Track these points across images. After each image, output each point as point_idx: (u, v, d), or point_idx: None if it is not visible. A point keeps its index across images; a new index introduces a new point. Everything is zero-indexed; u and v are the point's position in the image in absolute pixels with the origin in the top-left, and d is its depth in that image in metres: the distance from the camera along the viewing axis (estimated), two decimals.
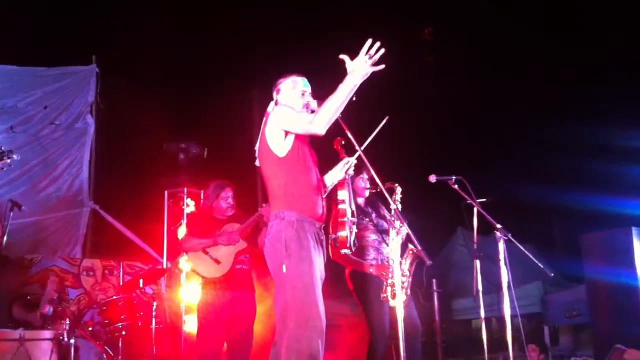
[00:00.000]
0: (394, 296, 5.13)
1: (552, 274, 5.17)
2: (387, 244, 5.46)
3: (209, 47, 11.45)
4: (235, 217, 5.81)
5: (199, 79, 11.36)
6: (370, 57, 3.63)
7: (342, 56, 3.76)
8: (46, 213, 9.12)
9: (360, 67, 3.67)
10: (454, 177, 5.47)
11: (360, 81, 3.72)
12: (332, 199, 4.24)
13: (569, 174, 11.38)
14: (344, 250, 4.15)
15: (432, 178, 5.46)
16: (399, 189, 5.48)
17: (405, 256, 5.27)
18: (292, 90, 4.16)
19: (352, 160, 4.28)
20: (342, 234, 4.06)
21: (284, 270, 3.76)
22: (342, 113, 3.93)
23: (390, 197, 5.44)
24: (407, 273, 5.31)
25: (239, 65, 11.48)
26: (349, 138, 4.02)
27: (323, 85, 4.04)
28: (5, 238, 6.62)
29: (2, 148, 4.85)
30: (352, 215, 4.18)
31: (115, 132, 9.94)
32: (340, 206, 4.14)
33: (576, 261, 7.67)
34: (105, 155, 9.91)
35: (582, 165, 10.83)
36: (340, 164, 4.32)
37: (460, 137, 12.80)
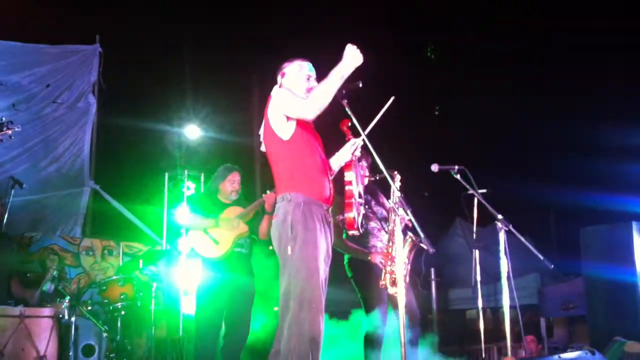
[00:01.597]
0: (392, 283, 5.16)
1: (552, 266, 5.16)
2: (387, 232, 5.49)
3: (211, 31, 11.45)
4: (237, 202, 5.82)
5: (201, 63, 11.36)
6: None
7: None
8: (47, 192, 9.12)
9: (351, 56, 3.77)
10: (456, 167, 5.47)
11: (351, 70, 3.80)
12: (339, 180, 4.24)
13: (567, 170, 11.41)
14: (352, 232, 4.14)
15: (435, 167, 5.47)
16: (398, 177, 5.49)
17: (404, 244, 5.28)
18: (298, 73, 4.15)
19: (359, 142, 4.26)
20: (350, 215, 4.06)
21: (289, 252, 3.77)
22: (347, 97, 3.94)
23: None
24: (406, 261, 5.33)
25: (240, 50, 11.49)
26: (354, 122, 4.01)
27: (324, 71, 4.05)
28: (5, 215, 6.64)
29: (3, 119, 4.83)
30: (360, 197, 4.19)
31: (117, 113, 9.93)
32: (347, 187, 4.14)
33: (573, 256, 7.69)
34: (107, 136, 9.91)
35: (582, 161, 10.86)
36: (347, 145, 4.31)
37: (461, 130, 12.83)
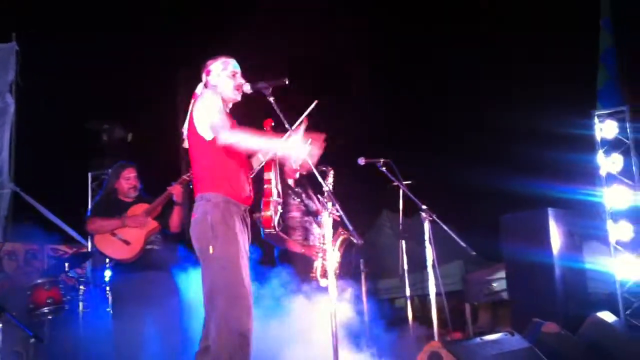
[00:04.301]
0: (323, 275, 5.27)
1: (474, 253, 5.37)
2: (318, 225, 5.58)
3: (135, 26, 11.27)
4: (141, 199, 5.66)
5: (124, 59, 11.16)
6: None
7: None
8: None
9: (293, 147, 3.95)
10: (382, 160, 5.62)
11: (282, 153, 4.04)
12: (259, 179, 4.29)
13: (489, 157, 11.77)
14: (268, 230, 4.21)
15: (361, 161, 5.61)
16: (331, 173, 5.60)
17: (335, 237, 5.38)
18: (223, 71, 4.16)
19: None
20: (267, 213, 4.13)
21: (211, 251, 3.81)
22: (274, 94, 4.00)
23: (324, 180, 5.58)
24: (338, 253, 5.44)
25: (165, 45, 11.36)
26: (282, 120, 4.05)
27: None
28: None
29: None
30: (278, 196, 4.25)
31: (37, 112, 9.68)
32: (265, 186, 4.20)
33: (495, 241, 7.95)
34: (27, 136, 9.63)
35: (501, 147, 11.22)
36: None
37: (382, 119, 13.03)
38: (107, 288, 6.47)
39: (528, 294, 7.01)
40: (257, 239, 5.57)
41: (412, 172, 6.01)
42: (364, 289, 9.35)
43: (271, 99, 4.03)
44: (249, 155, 4.20)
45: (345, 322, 5.23)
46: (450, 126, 12.55)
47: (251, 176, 4.20)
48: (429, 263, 5.24)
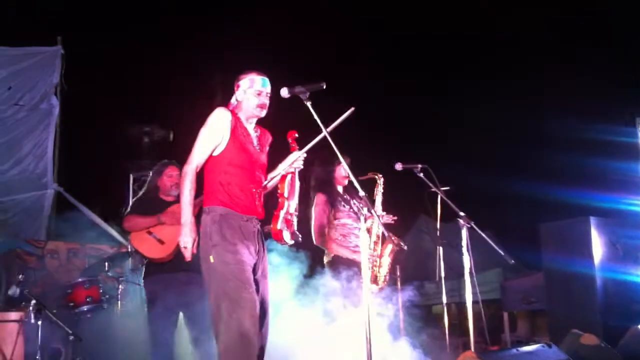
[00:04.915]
0: (373, 281, 5.30)
1: (513, 261, 5.29)
2: (368, 232, 5.58)
3: (176, 30, 11.43)
4: None
5: (165, 62, 11.32)
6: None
7: None
8: (10, 195, 9.04)
9: (185, 237, 4.00)
10: (419, 166, 5.58)
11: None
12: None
13: (529, 164, 11.63)
14: (280, 243, 4.23)
15: (398, 166, 5.58)
16: (381, 180, 5.59)
17: (385, 244, 5.41)
18: (249, 89, 4.23)
19: (302, 154, 4.30)
20: (276, 227, 4.17)
21: (212, 260, 3.96)
22: (311, 99, 3.99)
23: (374, 187, 5.60)
24: (389, 260, 5.47)
25: (205, 50, 11.48)
26: (317, 122, 4.02)
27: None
28: None
29: None
30: (295, 210, 4.27)
31: (80, 114, 9.87)
32: (279, 200, 4.23)
33: (534, 250, 7.84)
34: (70, 137, 9.83)
35: (542, 156, 11.07)
36: (289, 157, 4.34)
37: (422, 127, 13.00)
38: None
39: (567, 304, 6.88)
40: (309, 245, 5.61)
41: (450, 179, 5.96)
42: (400, 295, 9.32)
43: (308, 104, 4.02)
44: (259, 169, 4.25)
45: (381, 328, 5.22)
46: (489, 134, 12.43)
47: (262, 189, 4.24)
48: (466, 270, 5.18)
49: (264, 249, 4.21)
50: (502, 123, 12.07)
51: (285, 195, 4.23)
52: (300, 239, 4.32)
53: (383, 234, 5.50)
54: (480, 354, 4.34)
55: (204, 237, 4.02)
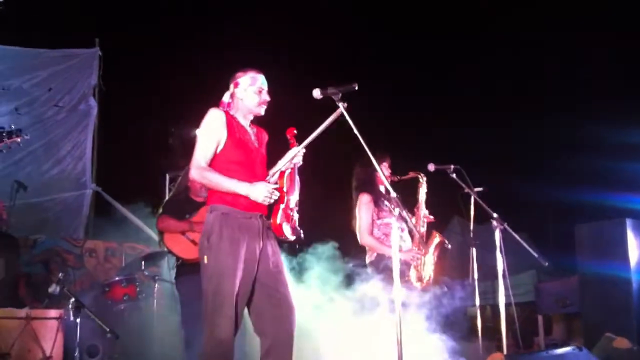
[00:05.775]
0: (418, 279, 5.31)
1: (547, 264, 5.25)
2: (410, 232, 5.62)
3: (210, 31, 11.52)
4: None
5: (200, 63, 11.42)
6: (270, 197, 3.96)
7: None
8: (50, 194, 9.22)
9: (258, 192, 3.95)
10: (452, 166, 5.58)
11: (244, 194, 3.99)
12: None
13: (563, 167, 11.50)
14: (281, 238, 4.21)
15: (431, 167, 5.58)
16: (424, 179, 5.60)
17: (429, 241, 5.47)
18: (250, 87, 4.22)
19: (301, 150, 4.25)
20: (275, 220, 4.14)
21: (205, 261, 3.94)
22: (345, 100, 3.99)
23: (417, 187, 5.60)
24: (433, 257, 5.49)
25: (238, 50, 11.57)
26: (348, 122, 4.01)
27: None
28: (10, 218, 6.73)
29: (13, 127, 4.93)
30: (295, 205, 4.28)
31: (118, 115, 10.03)
32: (279, 194, 4.23)
33: (569, 252, 7.74)
34: (108, 138, 9.99)
35: (576, 159, 10.93)
36: (289, 153, 4.31)
37: (457, 128, 12.92)
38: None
39: (602, 307, 6.79)
40: (354, 244, 5.66)
41: (484, 181, 5.93)
42: (434, 294, 9.28)
43: (340, 104, 4.01)
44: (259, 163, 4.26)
45: (415, 328, 5.23)
46: (524, 137, 12.32)
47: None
48: (500, 272, 5.15)
49: (273, 244, 4.16)
50: (538, 126, 11.96)
51: (285, 189, 4.22)
52: (302, 234, 4.32)
53: (426, 232, 5.56)
54: (507, 357, 4.31)
55: (203, 236, 4.00)
